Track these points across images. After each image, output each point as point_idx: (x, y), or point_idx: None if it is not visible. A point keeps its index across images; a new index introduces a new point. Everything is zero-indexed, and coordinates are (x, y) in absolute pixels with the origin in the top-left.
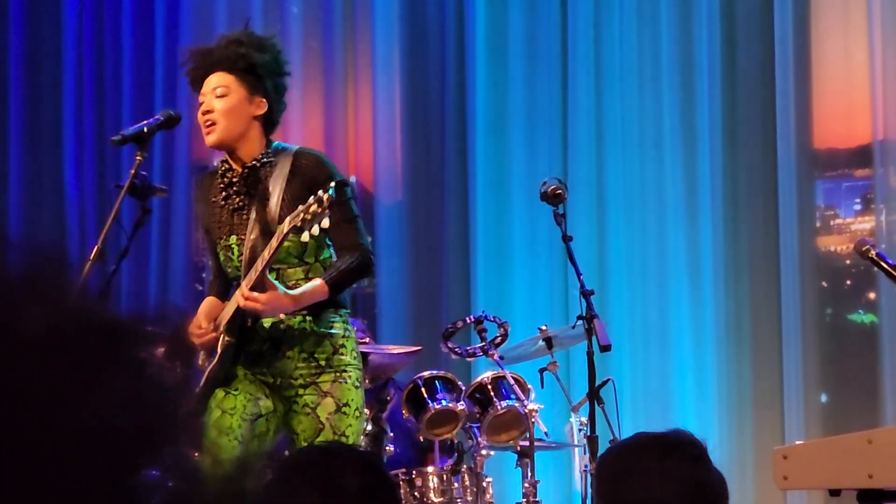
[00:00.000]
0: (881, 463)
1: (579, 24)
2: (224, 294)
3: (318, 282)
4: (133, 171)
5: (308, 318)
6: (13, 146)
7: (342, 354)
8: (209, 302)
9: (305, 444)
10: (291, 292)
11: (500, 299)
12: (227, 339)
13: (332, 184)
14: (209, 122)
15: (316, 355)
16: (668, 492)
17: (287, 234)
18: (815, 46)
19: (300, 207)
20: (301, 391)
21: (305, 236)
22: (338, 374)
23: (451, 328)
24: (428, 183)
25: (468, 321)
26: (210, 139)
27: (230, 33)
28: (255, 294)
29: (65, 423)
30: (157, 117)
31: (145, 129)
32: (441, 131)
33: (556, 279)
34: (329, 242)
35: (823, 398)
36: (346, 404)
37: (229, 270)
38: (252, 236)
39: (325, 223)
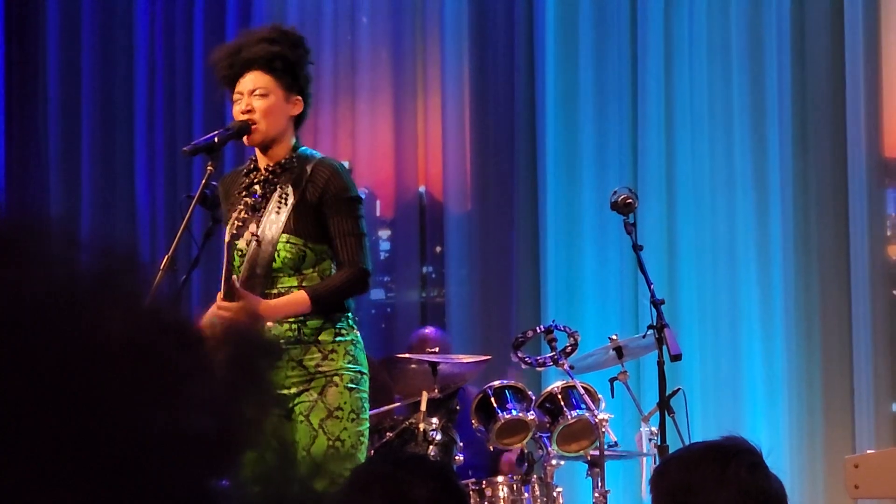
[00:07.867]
0: None
1: (649, 30)
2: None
3: (301, 294)
4: (204, 182)
5: (294, 325)
6: (85, 156)
7: (332, 360)
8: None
9: (304, 452)
10: (269, 302)
11: (570, 309)
12: None
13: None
14: (250, 122)
15: (305, 363)
16: (730, 501)
17: (230, 242)
18: (886, 54)
19: (233, 215)
20: (294, 400)
21: (241, 243)
22: (328, 379)
23: (521, 338)
24: (497, 193)
25: (538, 331)
26: (252, 139)
27: (256, 30)
28: (227, 304)
29: (144, 428)
30: (227, 127)
31: (216, 140)
32: (510, 141)
33: (626, 289)
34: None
35: (894, 407)
36: (339, 408)
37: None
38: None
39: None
